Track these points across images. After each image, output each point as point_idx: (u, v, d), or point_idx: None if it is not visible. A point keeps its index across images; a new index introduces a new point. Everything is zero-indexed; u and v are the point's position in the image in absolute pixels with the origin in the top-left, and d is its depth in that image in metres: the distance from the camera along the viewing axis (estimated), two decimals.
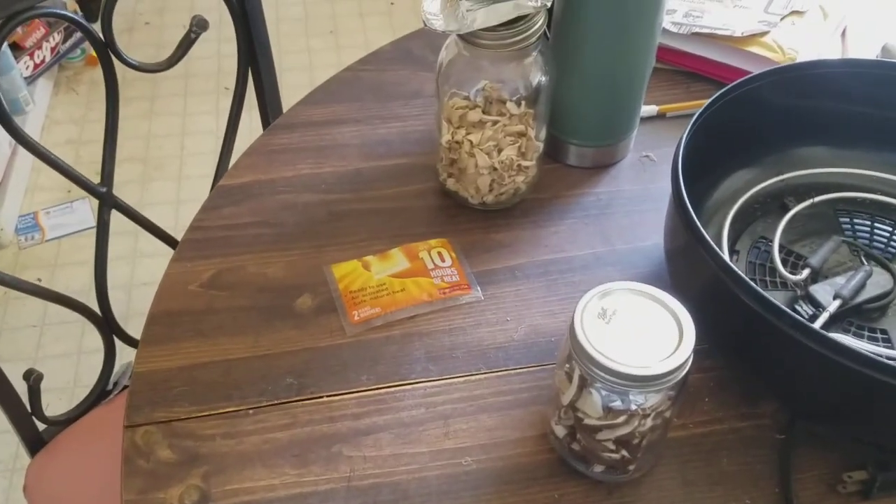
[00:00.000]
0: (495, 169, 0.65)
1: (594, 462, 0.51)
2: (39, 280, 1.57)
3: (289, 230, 0.67)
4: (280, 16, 2.21)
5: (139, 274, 1.57)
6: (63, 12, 0.70)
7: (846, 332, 0.57)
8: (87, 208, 1.66)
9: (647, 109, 0.75)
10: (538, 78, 0.62)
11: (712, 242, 0.50)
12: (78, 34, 1.92)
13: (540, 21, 0.58)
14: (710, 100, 0.58)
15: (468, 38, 0.58)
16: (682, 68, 0.79)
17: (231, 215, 0.68)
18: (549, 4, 0.57)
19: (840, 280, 0.58)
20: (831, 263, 0.60)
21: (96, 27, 0.73)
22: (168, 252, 0.89)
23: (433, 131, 0.73)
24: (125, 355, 0.92)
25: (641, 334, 0.46)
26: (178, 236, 0.70)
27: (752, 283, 0.48)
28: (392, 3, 2.23)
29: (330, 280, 0.63)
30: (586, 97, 0.68)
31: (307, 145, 0.74)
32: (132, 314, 1.49)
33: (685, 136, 0.56)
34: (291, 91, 1.96)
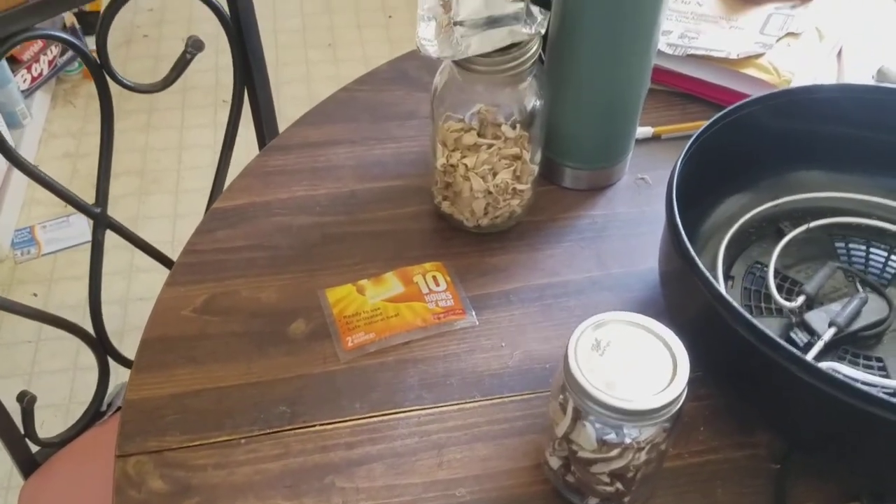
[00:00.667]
0: (490, 192, 0.65)
1: (589, 494, 0.50)
2: (36, 295, 1.57)
3: (283, 253, 0.67)
4: (278, 27, 2.22)
5: (135, 289, 1.57)
6: (57, 34, 0.70)
7: (841, 359, 0.56)
8: (83, 222, 1.65)
9: (643, 131, 0.75)
10: (533, 102, 0.62)
11: (705, 270, 0.50)
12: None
13: (534, 47, 0.58)
14: (704, 125, 0.58)
15: (463, 64, 0.58)
16: (678, 90, 0.79)
17: (225, 238, 0.68)
18: (542, 31, 0.56)
19: (835, 307, 0.57)
20: (827, 289, 0.60)
21: (91, 41, 0.73)
22: (164, 267, 0.89)
23: (428, 152, 0.73)
24: (120, 375, 0.92)
25: (636, 366, 0.45)
26: (175, 250, 0.70)
27: (744, 313, 0.47)
28: (390, 17, 2.24)
29: (324, 305, 0.63)
30: (581, 120, 0.68)
31: (302, 167, 0.74)
32: (128, 329, 1.49)
33: (679, 162, 0.56)
34: (289, 103, 1.98)
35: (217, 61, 1.96)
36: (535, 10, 0.57)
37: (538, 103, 0.62)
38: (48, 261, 1.63)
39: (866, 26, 0.85)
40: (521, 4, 0.57)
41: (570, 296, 0.64)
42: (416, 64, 0.84)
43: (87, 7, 1.94)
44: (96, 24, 0.72)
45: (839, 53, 0.83)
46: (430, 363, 0.60)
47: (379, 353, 0.60)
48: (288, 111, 2.07)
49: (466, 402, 0.58)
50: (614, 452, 0.46)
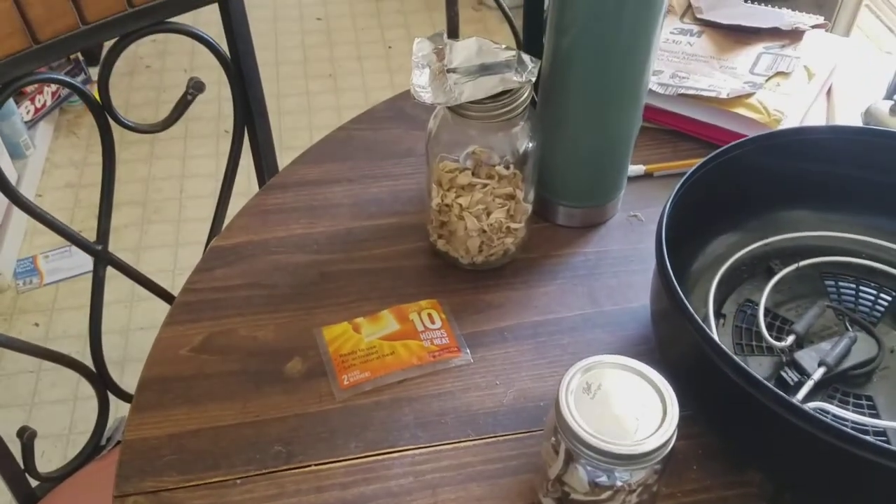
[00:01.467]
0: (485, 231, 0.66)
1: None
2: (37, 325, 1.58)
3: (280, 292, 0.68)
4: (279, 59, 2.25)
5: (137, 318, 1.58)
6: (59, 77, 0.71)
7: (831, 398, 0.57)
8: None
9: (635, 169, 0.76)
10: (526, 144, 0.63)
11: (693, 311, 0.50)
12: (78, 81, 1.95)
13: (525, 94, 0.59)
14: (693, 167, 0.59)
15: (456, 110, 0.60)
16: (670, 128, 0.81)
17: (223, 277, 0.68)
18: (533, 79, 0.58)
19: (825, 346, 0.58)
20: (817, 328, 0.61)
21: (95, 71, 0.74)
22: (166, 296, 0.90)
23: (424, 190, 0.74)
24: (120, 408, 0.92)
25: (626, 410, 0.46)
26: (177, 279, 0.71)
27: (730, 354, 0.48)
28: (390, 47, 2.27)
29: (320, 343, 0.64)
30: (574, 160, 0.69)
31: (300, 205, 0.75)
32: (129, 360, 1.49)
33: (668, 204, 0.57)
34: (290, 133, 2.00)
35: (220, 92, 1.98)
36: (527, 58, 0.58)
37: (531, 145, 0.64)
38: (50, 291, 1.64)
39: (855, 65, 0.87)
40: (513, 53, 0.59)
41: (564, 333, 0.65)
42: (413, 102, 0.85)
43: None
44: (99, 56, 0.73)
45: (829, 92, 0.84)
46: (425, 401, 0.60)
47: (374, 392, 0.61)
48: (289, 140, 2.10)
49: (461, 441, 0.58)
50: (606, 495, 0.47)
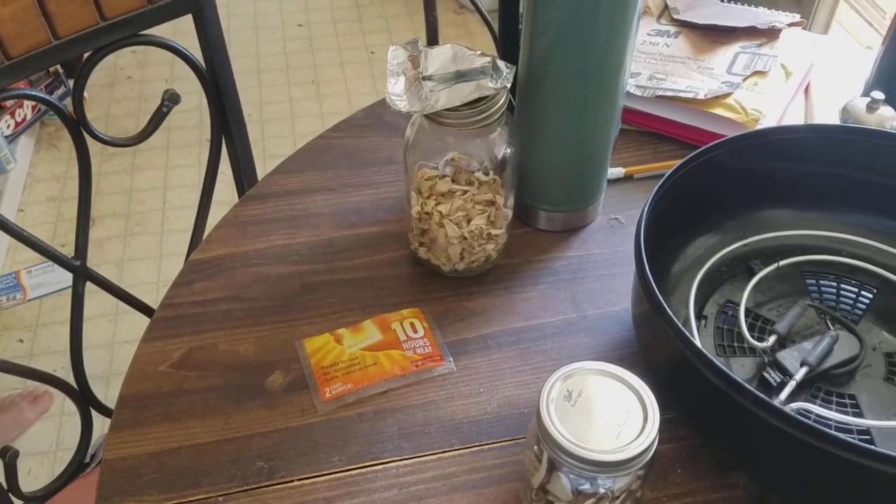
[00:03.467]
0: (465, 238, 0.66)
1: None
2: (22, 341, 1.56)
3: (260, 304, 0.67)
4: (261, 66, 2.24)
5: (121, 332, 1.56)
6: (34, 93, 0.71)
7: (814, 398, 0.57)
8: None
9: (615, 172, 0.76)
10: (504, 150, 0.63)
11: (672, 315, 0.50)
12: (58, 94, 1.93)
13: (502, 100, 0.59)
14: (671, 169, 0.59)
15: (433, 118, 0.59)
16: (649, 129, 0.81)
17: (203, 290, 0.68)
18: (508, 85, 0.58)
19: (807, 345, 0.58)
20: (799, 327, 0.61)
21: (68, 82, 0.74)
22: (147, 310, 0.89)
23: (405, 200, 0.73)
24: (105, 424, 0.91)
25: (607, 416, 0.46)
26: (161, 291, 0.70)
27: (710, 357, 0.48)
28: (372, 52, 2.26)
29: (302, 355, 0.63)
30: (553, 165, 0.69)
31: (280, 215, 0.75)
32: (114, 373, 1.48)
33: (647, 207, 0.56)
34: (273, 142, 1.99)
35: (201, 102, 1.95)
36: (502, 64, 0.58)
37: (509, 150, 0.63)
38: (34, 306, 1.62)
39: (833, 62, 0.87)
40: (488, 59, 0.58)
41: (547, 339, 0.65)
42: (393, 109, 0.85)
43: None
44: (79, 66, 0.72)
45: (807, 90, 0.85)
46: (409, 412, 0.60)
47: (357, 404, 0.60)
48: (273, 148, 2.09)
49: (445, 451, 0.58)
50: (590, 502, 0.46)
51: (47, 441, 1.42)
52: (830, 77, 0.85)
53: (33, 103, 1.89)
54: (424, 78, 0.58)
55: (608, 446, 0.44)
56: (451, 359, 0.63)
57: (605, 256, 0.71)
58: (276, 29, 2.38)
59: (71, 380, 0.85)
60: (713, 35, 0.84)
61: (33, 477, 1.36)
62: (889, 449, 0.44)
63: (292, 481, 0.55)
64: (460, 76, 0.58)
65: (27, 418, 1.40)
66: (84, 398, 0.84)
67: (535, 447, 0.48)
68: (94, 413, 0.88)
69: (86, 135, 0.76)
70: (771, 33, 0.83)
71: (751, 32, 0.83)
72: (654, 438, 0.45)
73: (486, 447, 0.58)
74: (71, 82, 1.97)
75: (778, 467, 0.51)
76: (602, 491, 0.46)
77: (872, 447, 0.44)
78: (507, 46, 0.68)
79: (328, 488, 0.55)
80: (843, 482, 0.48)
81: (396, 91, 0.58)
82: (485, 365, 0.63)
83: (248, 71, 2.21)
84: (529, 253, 0.72)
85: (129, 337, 1.56)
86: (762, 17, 0.84)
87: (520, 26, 0.65)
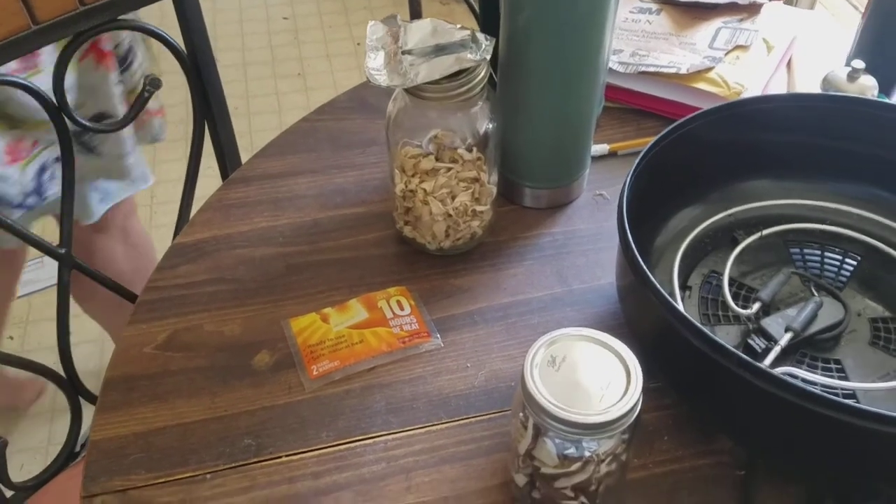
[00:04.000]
0: (450, 215, 0.66)
1: None
2: (12, 338, 1.55)
3: (246, 286, 0.67)
4: (247, 60, 2.23)
5: None
6: (12, 79, 0.70)
7: (800, 363, 0.57)
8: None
9: (599, 148, 0.76)
10: (486, 125, 0.63)
11: (656, 282, 0.50)
12: None
13: (482, 73, 0.59)
14: (651, 142, 0.59)
15: (414, 92, 0.59)
16: (632, 106, 0.81)
17: (187, 273, 0.68)
18: (488, 57, 0.57)
19: (791, 312, 0.58)
20: (783, 295, 0.61)
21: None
22: (133, 298, 0.88)
23: (389, 179, 0.73)
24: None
25: (591, 380, 0.46)
26: None
27: (694, 322, 0.48)
28: (358, 44, 2.26)
29: (288, 335, 0.63)
30: (536, 141, 0.69)
31: (263, 198, 0.74)
32: (104, 368, 1.47)
33: (628, 179, 0.57)
34: (261, 135, 1.98)
35: (186, 95, 1.96)
36: (481, 36, 0.58)
37: (490, 126, 0.63)
38: (23, 303, 1.61)
39: (815, 36, 0.87)
40: (467, 32, 0.58)
41: (534, 313, 0.65)
42: (375, 91, 0.84)
43: None
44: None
45: (789, 63, 0.85)
46: (396, 387, 0.60)
47: (344, 381, 0.60)
48: (260, 142, 2.08)
49: (433, 425, 0.58)
50: (576, 466, 0.47)
51: (39, 437, 1.41)
52: (813, 51, 0.86)
53: None
54: (404, 52, 0.58)
55: (592, 409, 0.44)
56: (438, 335, 0.63)
57: (590, 232, 0.71)
58: (262, 22, 2.37)
59: (60, 372, 0.84)
60: (695, 11, 0.84)
61: (27, 472, 1.35)
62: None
63: (280, 457, 0.55)
64: (440, 49, 0.58)
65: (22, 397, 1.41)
66: (73, 387, 0.84)
67: (521, 414, 0.48)
68: (84, 404, 0.87)
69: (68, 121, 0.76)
70: (752, 8, 0.83)
71: (732, 8, 0.83)
72: (638, 400, 0.45)
73: (473, 420, 0.58)
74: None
75: (763, 431, 0.51)
76: (587, 454, 0.46)
77: (858, 405, 0.44)
78: (487, 23, 0.68)
79: (317, 463, 0.55)
80: (828, 443, 0.48)
81: (376, 66, 0.58)
82: (471, 340, 0.63)
83: (234, 64, 2.20)
84: (515, 230, 0.72)
85: None
86: None
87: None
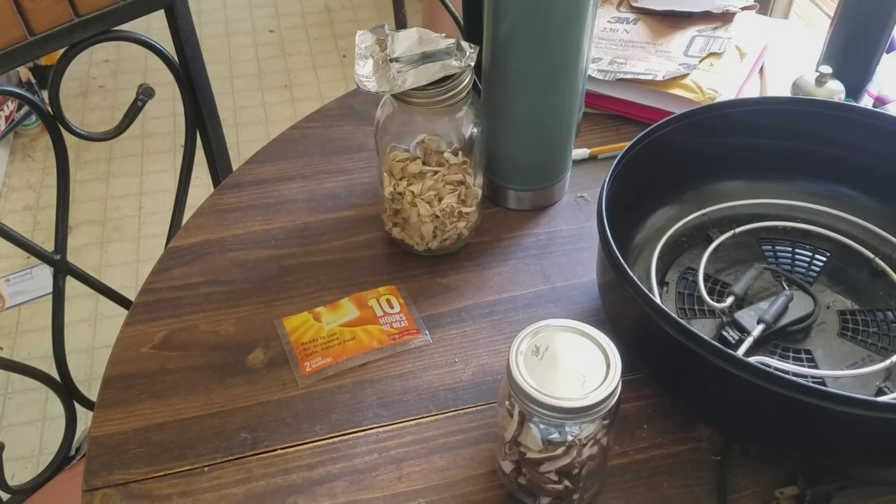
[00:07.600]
0: (437, 217, 0.68)
1: (540, 494, 0.53)
2: (1, 348, 1.56)
3: (240, 287, 0.69)
4: (234, 72, 2.25)
5: (101, 336, 1.57)
6: (9, 88, 0.72)
7: (772, 354, 0.60)
8: (47, 273, 1.64)
9: (580, 152, 0.79)
10: (471, 129, 0.66)
11: (635, 277, 0.53)
12: None
13: (467, 79, 0.61)
14: (628, 145, 0.62)
15: (401, 97, 0.62)
16: (612, 112, 0.84)
17: (182, 276, 0.70)
18: (472, 64, 0.60)
19: (763, 305, 0.61)
20: (755, 289, 0.64)
21: (47, 95, 0.75)
22: (127, 304, 0.90)
23: (378, 183, 0.76)
24: (88, 421, 0.92)
25: (572, 367, 0.48)
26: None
27: (670, 313, 0.51)
28: (344, 56, 2.28)
29: (281, 334, 0.65)
30: (519, 145, 0.72)
31: (256, 203, 0.77)
32: (94, 377, 1.48)
33: (607, 181, 0.59)
34: (248, 145, 2.01)
35: (174, 107, 1.99)
36: (465, 45, 0.61)
37: (475, 130, 0.66)
38: (12, 314, 1.62)
39: (787, 44, 0.90)
40: (452, 41, 0.61)
41: (519, 310, 0.67)
42: (363, 99, 0.87)
43: (42, 61, 1.96)
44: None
45: (762, 70, 0.88)
46: (387, 382, 0.62)
47: (337, 377, 0.62)
48: (247, 153, 2.10)
49: (423, 417, 0.60)
50: (559, 451, 0.49)
51: (30, 446, 1.42)
52: (785, 58, 0.89)
53: (6, 113, 1.89)
54: (392, 60, 0.60)
55: (574, 394, 0.46)
56: (427, 332, 0.66)
57: (572, 232, 0.74)
58: (248, 35, 2.39)
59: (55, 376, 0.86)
60: (670, 20, 0.87)
61: (18, 481, 1.35)
62: None
63: (276, 450, 0.57)
64: (426, 57, 0.60)
65: None
66: (67, 391, 0.85)
67: (507, 402, 0.50)
68: (78, 409, 0.89)
69: (64, 131, 0.78)
70: (725, 17, 0.87)
71: (706, 17, 0.87)
72: (617, 385, 0.47)
73: (461, 412, 0.60)
74: (45, 93, 1.98)
75: (739, 416, 0.53)
76: (570, 438, 0.48)
77: (826, 388, 0.47)
78: (471, 31, 0.71)
79: (311, 455, 0.57)
80: (798, 425, 0.51)
81: (365, 73, 0.61)
82: (459, 336, 0.66)
83: (222, 77, 2.22)
84: (500, 231, 0.74)
85: (110, 341, 1.55)
86: (717, 1, 0.88)
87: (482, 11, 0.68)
